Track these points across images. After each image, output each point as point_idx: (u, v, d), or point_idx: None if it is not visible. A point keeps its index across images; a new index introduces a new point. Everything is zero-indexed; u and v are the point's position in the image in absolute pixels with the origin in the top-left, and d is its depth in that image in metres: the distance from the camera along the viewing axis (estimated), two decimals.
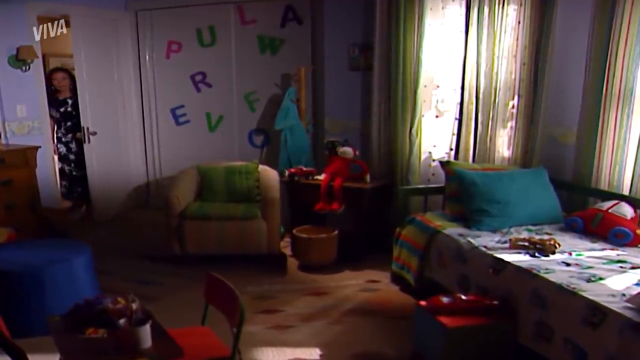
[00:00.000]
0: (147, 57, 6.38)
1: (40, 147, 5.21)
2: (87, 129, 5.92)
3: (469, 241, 3.55)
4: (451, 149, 4.77)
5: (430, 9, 4.64)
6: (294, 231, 4.74)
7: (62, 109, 6.13)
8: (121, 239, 5.57)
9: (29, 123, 5.49)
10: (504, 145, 4.55)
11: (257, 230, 4.59)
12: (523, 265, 3.10)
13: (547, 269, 3.01)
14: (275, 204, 4.62)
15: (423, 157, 4.85)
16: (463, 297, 3.15)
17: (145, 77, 6.43)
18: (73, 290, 3.55)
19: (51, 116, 5.97)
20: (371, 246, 4.89)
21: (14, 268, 3.45)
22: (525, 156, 4.44)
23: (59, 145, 6.18)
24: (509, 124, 4.49)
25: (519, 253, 3.30)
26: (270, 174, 5.00)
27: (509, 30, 4.34)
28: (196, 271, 4.53)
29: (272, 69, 5.88)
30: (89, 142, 5.96)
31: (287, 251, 4.97)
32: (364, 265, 4.70)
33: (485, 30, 4.42)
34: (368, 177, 4.77)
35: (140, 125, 6.56)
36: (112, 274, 4.44)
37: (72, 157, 6.23)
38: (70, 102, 6.12)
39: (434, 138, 4.84)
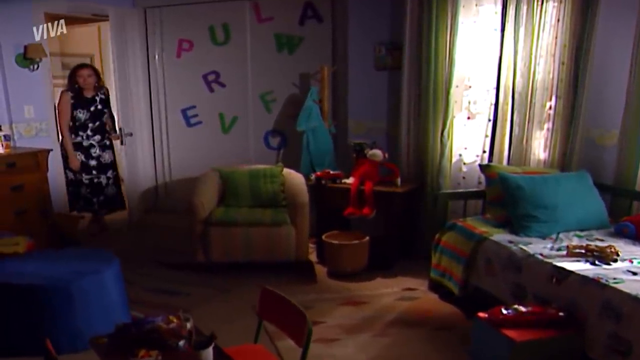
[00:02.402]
0: (157, 56, 6.13)
1: (52, 150, 4.98)
2: (122, 129, 5.75)
3: (521, 248, 3.40)
4: (484, 151, 4.61)
5: (463, 6, 4.48)
6: (324, 237, 4.56)
7: (92, 108, 5.53)
8: (137, 246, 5.33)
9: (36, 124, 5.23)
10: (540, 147, 4.41)
11: (286, 237, 4.40)
12: (588, 274, 2.95)
13: (615, 279, 2.87)
14: (304, 209, 4.43)
15: (454, 160, 4.70)
16: (522, 308, 3.00)
17: (155, 76, 6.17)
18: (103, 304, 3.33)
19: (75, 119, 5.49)
20: (400, 252, 4.73)
21: (40, 281, 3.21)
22: (563, 158, 4.31)
23: (75, 153, 5.51)
24: (545, 126, 4.36)
25: (579, 261, 3.16)
26: (295, 178, 4.81)
27: (548, 28, 4.20)
28: (223, 280, 4.38)
29: (289, 69, 5.68)
30: (124, 143, 5.77)
31: (312, 257, 4.79)
32: (395, 272, 4.53)
33: (522, 29, 4.28)
34: (399, 181, 4.61)
35: (149, 126, 6.31)
36: (133, 284, 4.21)
37: (92, 162, 5.58)
38: (98, 99, 5.57)
39: (465, 140, 4.69)
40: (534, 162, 4.42)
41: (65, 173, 5.55)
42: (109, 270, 3.41)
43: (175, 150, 6.30)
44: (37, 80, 5.21)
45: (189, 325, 2.30)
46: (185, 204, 5.33)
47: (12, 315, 3.20)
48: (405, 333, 3.52)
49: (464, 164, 4.71)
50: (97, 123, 5.57)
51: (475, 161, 4.65)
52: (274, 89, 5.81)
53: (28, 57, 5.06)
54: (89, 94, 5.53)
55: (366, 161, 4.70)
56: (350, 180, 4.69)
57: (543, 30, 4.22)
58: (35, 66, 5.14)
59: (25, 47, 5.03)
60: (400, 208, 4.56)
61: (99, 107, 5.57)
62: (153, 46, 6.12)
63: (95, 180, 5.61)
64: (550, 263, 3.16)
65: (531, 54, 4.28)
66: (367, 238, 4.49)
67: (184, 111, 6.17)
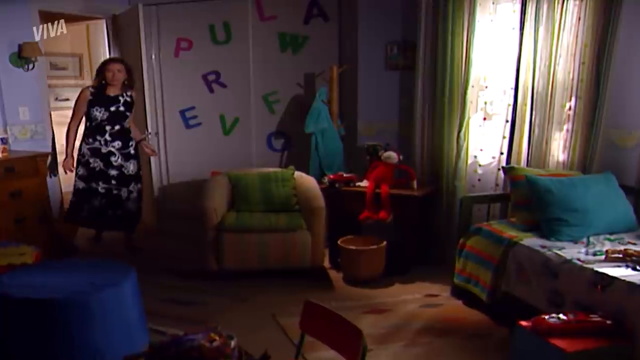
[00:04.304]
0: (153, 55, 5.91)
1: (51, 153, 4.75)
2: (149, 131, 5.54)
3: (557, 254, 3.30)
4: (501, 153, 4.52)
5: (480, 4, 4.40)
6: (340, 242, 4.42)
7: (112, 108, 4.84)
8: (142, 253, 5.11)
9: (31, 127, 5.01)
10: (559, 148, 4.33)
11: (302, 242, 4.26)
12: (635, 280, 2.87)
13: None
14: (321, 214, 4.28)
15: (469, 161, 4.61)
16: (562, 316, 2.90)
17: (152, 76, 5.94)
18: (122, 319, 3.12)
19: (91, 118, 4.84)
20: (415, 256, 4.62)
21: (57, 295, 3.00)
22: (583, 160, 4.23)
23: (92, 160, 4.84)
24: (565, 127, 4.28)
25: (619, 266, 3.07)
26: (307, 181, 4.66)
27: (569, 27, 4.12)
28: (237, 288, 4.23)
29: (293, 69, 5.55)
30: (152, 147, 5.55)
31: (324, 263, 4.65)
32: (412, 277, 4.43)
33: (542, 28, 4.19)
34: (415, 184, 4.49)
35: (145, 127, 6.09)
36: (145, 294, 3.94)
37: (113, 172, 4.87)
38: (122, 100, 4.88)
39: (481, 142, 4.60)
40: (553, 164, 4.34)
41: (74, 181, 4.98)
42: (127, 283, 3.21)
43: (173, 153, 6.09)
44: (32, 80, 4.99)
45: (232, 343, 2.16)
46: (185, 208, 5.18)
47: (26, 331, 2.99)
48: (437, 342, 3.40)
49: (480, 165, 4.62)
50: (117, 127, 4.86)
51: (492, 163, 4.57)
52: (278, 89, 5.66)
53: (23, 57, 4.83)
54: (113, 92, 4.87)
55: (380, 164, 4.57)
56: (365, 183, 4.57)
57: (563, 29, 4.13)
58: (31, 66, 4.92)
59: (20, 46, 4.80)
60: (417, 211, 4.45)
61: (121, 108, 4.87)
62: (150, 45, 5.89)
63: (114, 191, 4.90)
64: (591, 269, 3.06)
65: (551, 53, 4.19)
66: (384, 243, 4.37)
67: (182, 112, 5.97)
